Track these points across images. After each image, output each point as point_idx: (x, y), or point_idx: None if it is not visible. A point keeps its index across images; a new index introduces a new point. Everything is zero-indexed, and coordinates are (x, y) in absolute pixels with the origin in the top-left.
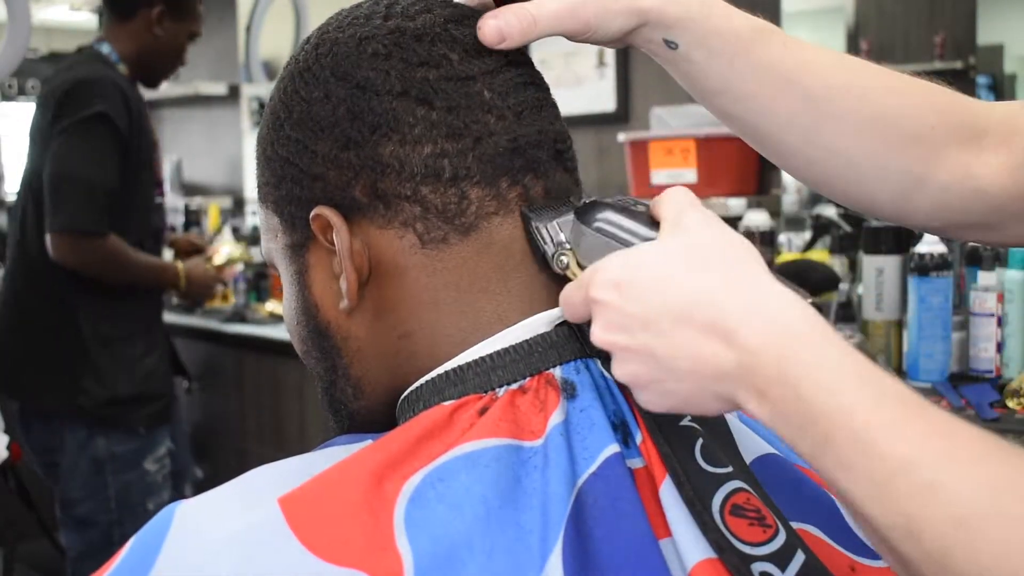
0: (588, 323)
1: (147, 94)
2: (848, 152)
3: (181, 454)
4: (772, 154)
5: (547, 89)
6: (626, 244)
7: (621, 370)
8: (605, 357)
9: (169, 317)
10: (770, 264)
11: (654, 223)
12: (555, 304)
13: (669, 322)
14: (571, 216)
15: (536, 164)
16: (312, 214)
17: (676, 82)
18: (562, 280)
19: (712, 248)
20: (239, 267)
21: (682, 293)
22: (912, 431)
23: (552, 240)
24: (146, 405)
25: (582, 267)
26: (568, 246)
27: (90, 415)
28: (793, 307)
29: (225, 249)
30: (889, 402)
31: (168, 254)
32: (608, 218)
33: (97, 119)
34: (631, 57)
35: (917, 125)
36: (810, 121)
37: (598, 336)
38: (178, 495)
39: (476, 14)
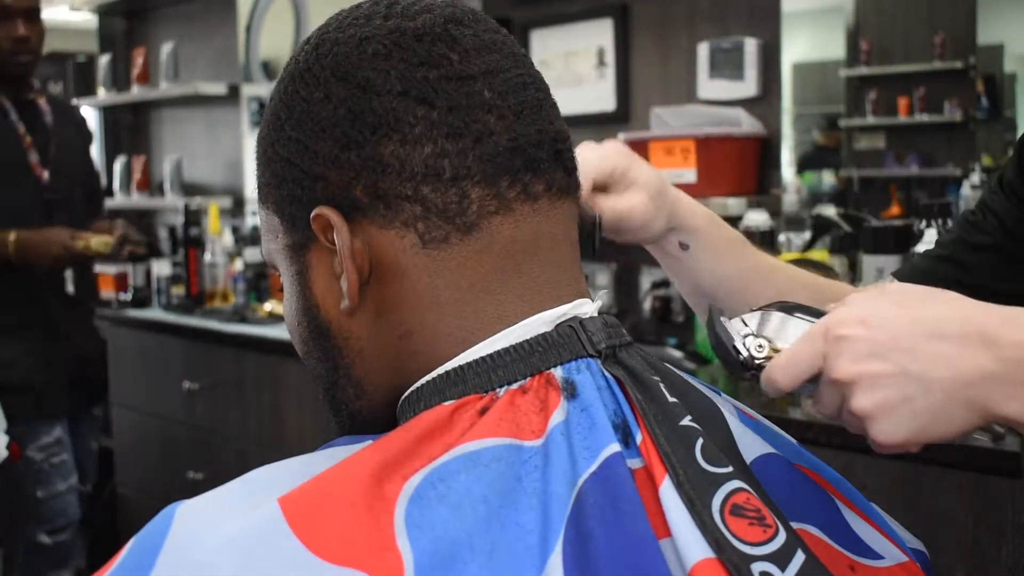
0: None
1: (147, 94)
2: None
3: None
4: None
5: (547, 89)
6: None
7: (870, 398)
8: (606, 357)
9: (168, 317)
10: None
11: None
12: (555, 303)
13: (923, 339)
14: (757, 312)
15: (536, 163)
16: (313, 214)
17: (676, 82)
18: (564, 278)
19: (926, 291)
20: (239, 267)
21: (929, 315)
22: None
23: (739, 332)
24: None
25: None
26: (758, 335)
27: None
28: None
29: (101, 238)
30: None
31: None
32: (804, 311)
33: None
34: (631, 57)
35: None
36: None
37: (845, 370)
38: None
39: (475, 14)
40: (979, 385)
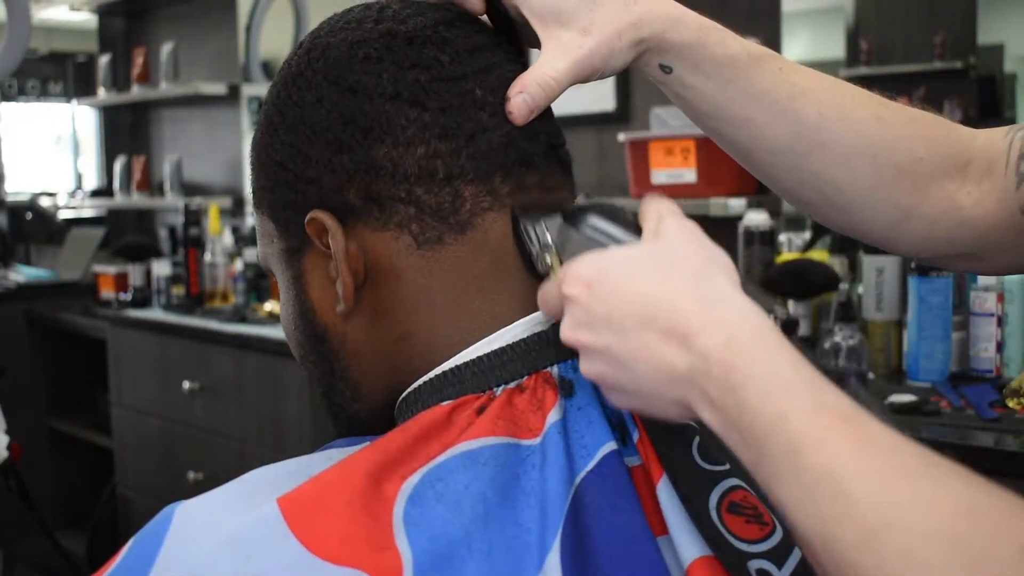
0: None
1: (147, 94)
2: (836, 181)
3: None
4: (763, 176)
5: None
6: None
7: (587, 367)
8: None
9: (168, 317)
10: (768, 264)
11: (640, 231)
12: None
13: (632, 323)
14: (559, 218)
15: (530, 158)
16: (307, 218)
17: None
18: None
19: (682, 255)
20: (239, 267)
21: (646, 296)
22: (841, 443)
23: (539, 241)
24: None
25: None
26: (553, 248)
27: None
28: (747, 317)
29: None
30: (825, 413)
31: None
32: (595, 224)
33: None
34: None
35: (905, 157)
36: (801, 149)
37: (565, 333)
38: None
39: (467, 17)
40: (676, 387)
